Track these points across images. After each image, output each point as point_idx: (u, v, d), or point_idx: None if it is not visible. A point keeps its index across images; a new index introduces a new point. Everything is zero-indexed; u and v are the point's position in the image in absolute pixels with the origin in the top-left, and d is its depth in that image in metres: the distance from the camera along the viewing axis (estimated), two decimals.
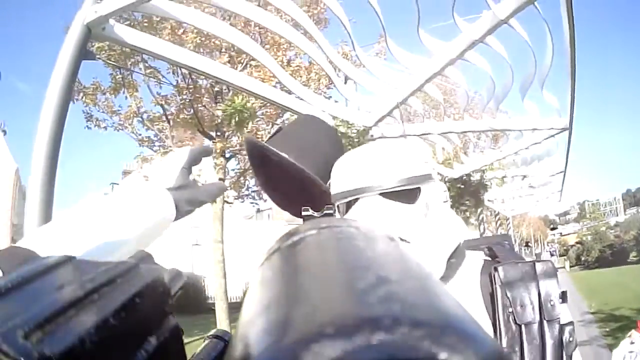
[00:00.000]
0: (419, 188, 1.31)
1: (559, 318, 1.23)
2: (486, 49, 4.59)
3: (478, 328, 0.25)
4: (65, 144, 3.30)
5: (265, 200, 16.25)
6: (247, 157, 1.91)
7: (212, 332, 0.62)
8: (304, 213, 0.59)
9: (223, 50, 11.85)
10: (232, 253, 17.60)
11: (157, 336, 0.39)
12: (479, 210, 13.13)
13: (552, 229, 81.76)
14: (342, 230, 0.40)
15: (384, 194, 1.29)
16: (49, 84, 3.26)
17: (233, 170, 15.60)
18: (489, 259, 1.35)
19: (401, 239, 1.12)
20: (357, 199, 1.32)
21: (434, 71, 4.81)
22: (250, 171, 13.95)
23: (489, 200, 13.76)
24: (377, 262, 0.33)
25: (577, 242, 51.52)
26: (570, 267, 38.16)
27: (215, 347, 0.60)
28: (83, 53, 3.36)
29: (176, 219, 1.12)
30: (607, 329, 11.77)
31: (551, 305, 1.22)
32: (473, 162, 9.63)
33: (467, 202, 11.09)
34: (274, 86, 5.78)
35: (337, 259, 0.34)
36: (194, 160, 1.20)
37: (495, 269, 1.24)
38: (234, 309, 13.17)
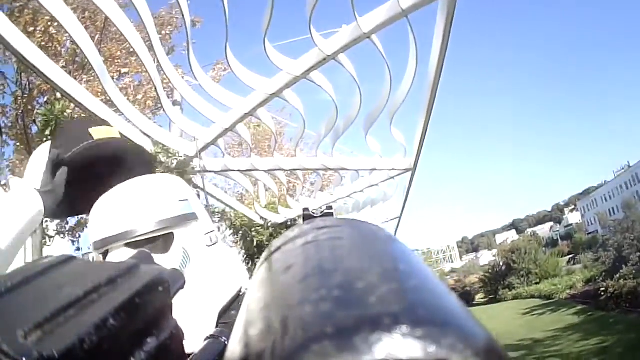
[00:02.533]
0: (172, 234, 1.23)
1: None
2: (332, 77, 4.57)
3: (478, 327, 0.28)
4: None
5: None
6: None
7: (212, 331, 0.65)
8: (304, 213, 0.61)
9: (62, 60, 11.50)
10: None
11: (157, 336, 0.41)
12: None
13: None
14: (342, 230, 0.42)
15: (130, 245, 1.19)
16: None
17: None
18: None
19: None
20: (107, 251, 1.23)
21: (270, 92, 4.63)
22: None
23: None
24: (377, 261, 0.35)
25: None
26: None
27: (214, 347, 0.62)
28: None
29: (46, 216, 1.21)
30: None
31: None
32: (301, 207, 9.07)
33: None
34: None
35: (336, 259, 0.36)
36: (56, 155, 1.26)
37: None
38: None
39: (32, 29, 11.11)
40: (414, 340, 0.25)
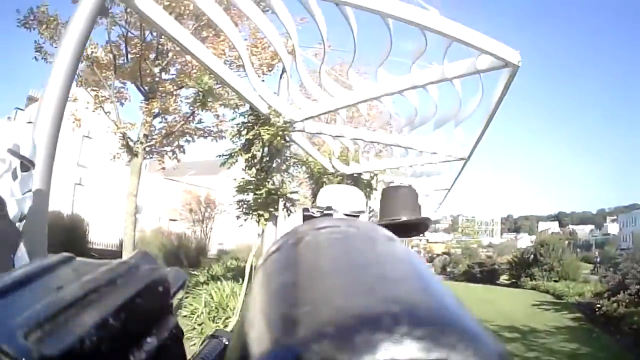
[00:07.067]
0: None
1: None
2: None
3: (479, 327, 0.27)
4: None
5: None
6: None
7: (212, 331, 0.59)
8: (304, 213, 0.51)
9: (189, 19, 12.19)
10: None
11: (157, 336, 0.39)
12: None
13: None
14: (342, 231, 0.40)
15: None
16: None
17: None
18: None
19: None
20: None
21: (372, 95, 5.48)
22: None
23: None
24: (376, 262, 0.34)
25: (444, 252, 53.21)
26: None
27: (215, 347, 0.59)
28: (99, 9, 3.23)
29: None
30: None
31: None
32: (369, 165, 10.46)
33: None
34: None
35: (337, 259, 0.35)
36: None
37: None
38: None
39: None
40: (415, 340, 0.25)
